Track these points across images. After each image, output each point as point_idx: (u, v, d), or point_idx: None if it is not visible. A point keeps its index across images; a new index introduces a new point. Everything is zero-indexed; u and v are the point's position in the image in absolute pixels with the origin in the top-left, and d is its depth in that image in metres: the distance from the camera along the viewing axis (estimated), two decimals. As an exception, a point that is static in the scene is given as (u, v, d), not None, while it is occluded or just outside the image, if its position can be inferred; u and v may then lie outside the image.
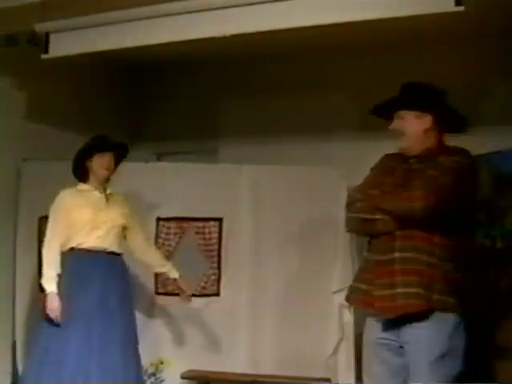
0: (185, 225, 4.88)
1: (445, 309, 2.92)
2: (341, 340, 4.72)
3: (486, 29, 4.67)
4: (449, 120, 3.14)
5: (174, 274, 4.38)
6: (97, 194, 4.21)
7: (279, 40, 4.59)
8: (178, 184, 4.88)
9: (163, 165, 5.57)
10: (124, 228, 4.27)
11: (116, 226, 4.20)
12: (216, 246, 4.85)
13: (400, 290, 2.92)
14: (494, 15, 4.38)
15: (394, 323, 2.99)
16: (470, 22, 4.20)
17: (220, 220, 4.85)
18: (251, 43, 4.57)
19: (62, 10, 4.25)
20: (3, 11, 4.31)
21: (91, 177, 4.22)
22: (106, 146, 4.23)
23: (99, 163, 4.18)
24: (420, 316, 2.91)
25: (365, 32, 4.34)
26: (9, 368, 4.92)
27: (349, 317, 4.69)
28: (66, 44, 4.36)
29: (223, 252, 4.84)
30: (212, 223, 4.85)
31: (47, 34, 4.40)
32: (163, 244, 4.87)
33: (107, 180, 4.27)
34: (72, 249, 4.11)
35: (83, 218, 4.11)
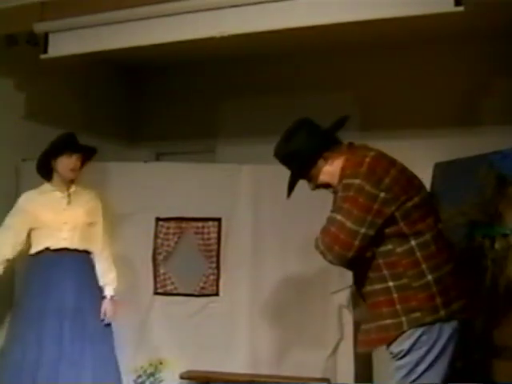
0: (184, 225, 4.87)
1: (413, 326, 2.81)
2: (340, 340, 4.72)
3: (486, 29, 4.67)
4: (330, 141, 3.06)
5: (108, 291, 4.16)
6: (57, 195, 4.14)
7: (279, 40, 4.58)
8: (177, 184, 4.87)
9: (162, 164, 5.56)
10: (90, 225, 4.20)
11: (79, 226, 4.11)
12: (215, 246, 4.84)
13: (373, 325, 2.89)
14: (494, 15, 4.39)
15: None
16: (469, 21, 4.20)
17: (219, 220, 4.84)
18: (251, 43, 4.57)
19: (61, 10, 4.24)
20: (2, 11, 4.30)
21: (55, 176, 4.14)
22: (75, 147, 4.13)
23: (65, 164, 4.09)
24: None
25: (365, 32, 4.34)
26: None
27: (348, 317, 4.69)
28: (65, 44, 4.36)
29: (222, 252, 4.83)
30: (211, 223, 4.84)
31: (46, 34, 4.40)
32: (162, 244, 4.87)
33: (72, 181, 4.17)
34: (41, 251, 4.07)
35: (44, 220, 4.07)
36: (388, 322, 2.82)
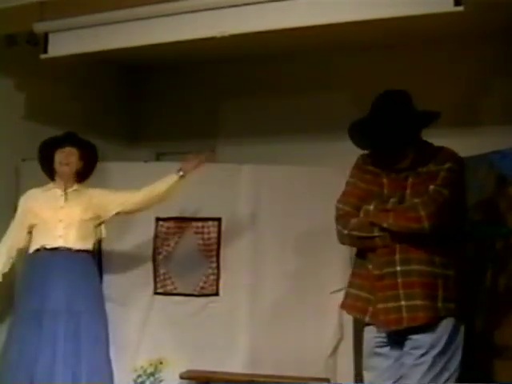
0: (184, 225, 4.86)
1: (447, 315, 3.01)
2: (340, 340, 4.72)
3: (486, 29, 4.67)
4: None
5: (175, 174, 4.19)
6: (57, 192, 4.16)
7: (279, 40, 4.58)
8: (177, 184, 4.87)
9: (162, 164, 5.56)
10: (98, 218, 4.21)
11: (75, 223, 4.11)
12: (215, 246, 4.84)
13: (404, 303, 2.98)
14: (494, 15, 4.39)
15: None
16: (469, 21, 4.20)
17: (219, 220, 4.84)
18: (251, 43, 4.57)
19: (61, 10, 4.24)
20: (2, 11, 4.31)
21: (56, 175, 4.20)
22: (66, 140, 4.16)
23: (58, 159, 4.14)
24: (425, 325, 2.99)
25: (365, 32, 4.34)
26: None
27: (348, 317, 4.68)
28: (65, 44, 4.36)
29: (222, 252, 4.83)
30: (211, 223, 4.84)
31: (46, 34, 4.40)
32: (162, 244, 4.86)
33: (77, 180, 4.20)
34: (37, 250, 4.08)
35: (42, 217, 4.09)
36: (425, 303, 2.97)
